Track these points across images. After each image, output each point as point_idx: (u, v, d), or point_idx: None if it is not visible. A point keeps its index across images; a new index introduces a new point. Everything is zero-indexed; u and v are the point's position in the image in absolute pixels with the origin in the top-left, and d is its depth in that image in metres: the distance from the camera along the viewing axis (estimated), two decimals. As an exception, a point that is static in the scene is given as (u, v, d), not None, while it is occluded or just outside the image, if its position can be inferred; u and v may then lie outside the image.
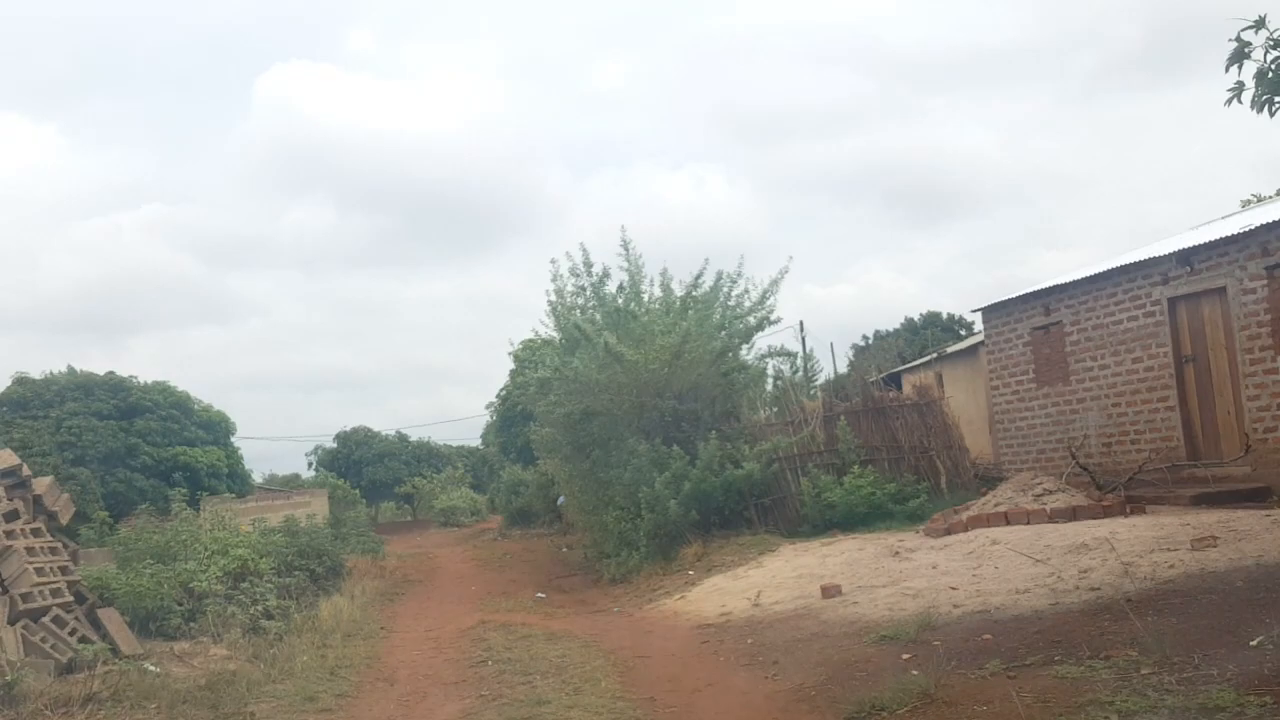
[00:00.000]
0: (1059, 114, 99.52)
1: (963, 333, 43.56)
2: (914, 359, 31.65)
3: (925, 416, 21.01)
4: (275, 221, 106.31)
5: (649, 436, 20.63)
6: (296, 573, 19.67)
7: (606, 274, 21.27)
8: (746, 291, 20.87)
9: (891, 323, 51.20)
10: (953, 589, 13.33)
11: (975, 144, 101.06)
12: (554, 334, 22.51)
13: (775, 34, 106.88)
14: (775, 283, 20.68)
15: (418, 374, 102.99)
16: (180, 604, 15.60)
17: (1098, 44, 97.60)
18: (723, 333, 20.58)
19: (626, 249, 21.13)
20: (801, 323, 39.29)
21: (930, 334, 46.87)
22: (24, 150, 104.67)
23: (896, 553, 16.19)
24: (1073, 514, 16.74)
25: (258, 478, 51.00)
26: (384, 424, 56.52)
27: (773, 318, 20.84)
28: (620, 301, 21.07)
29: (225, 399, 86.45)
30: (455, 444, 59.50)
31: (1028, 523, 16.68)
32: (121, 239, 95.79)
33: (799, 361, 21.96)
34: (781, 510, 20.35)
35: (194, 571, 16.11)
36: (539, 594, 20.12)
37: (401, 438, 55.04)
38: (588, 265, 21.24)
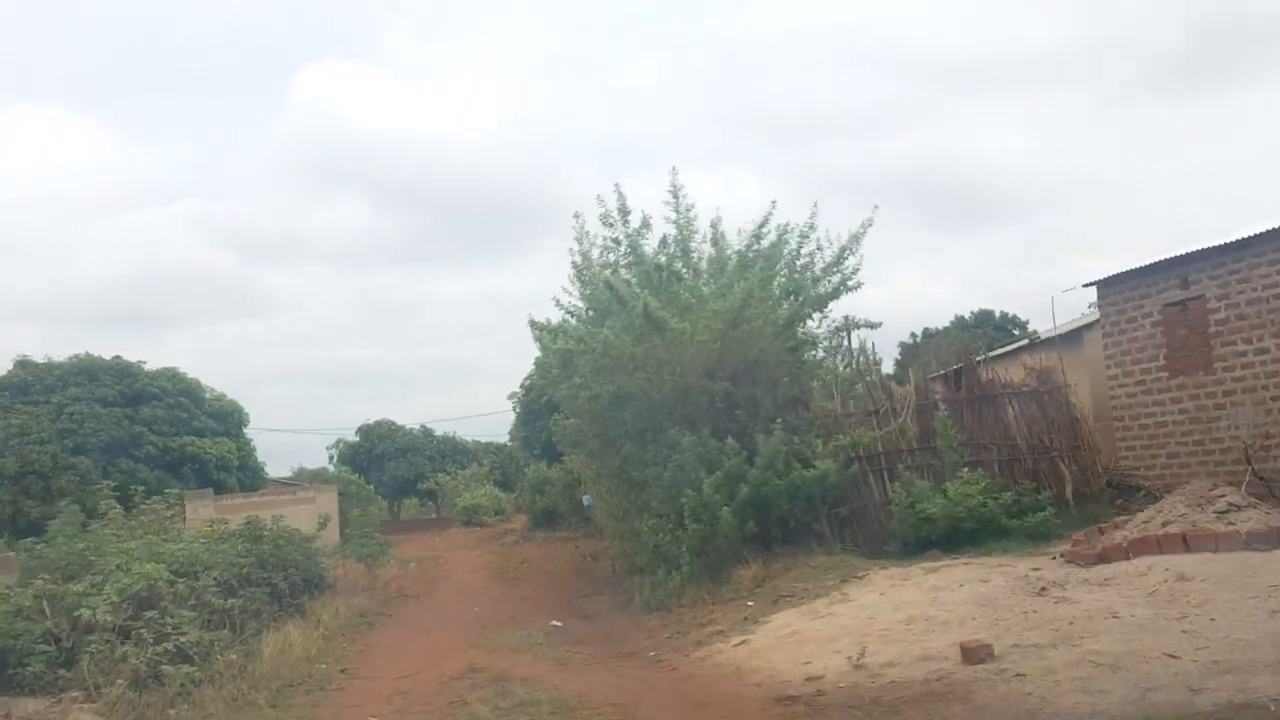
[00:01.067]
0: (1094, 118, 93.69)
1: (1015, 332, 38.42)
2: (987, 352, 26.40)
3: (1046, 407, 15.84)
4: (308, 218, 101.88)
5: (695, 427, 15.68)
6: (253, 589, 14.82)
7: (647, 224, 16.28)
8: (819, 249, 15.90)
9: (928, 324, 45.81)
10: (1170, 656, 8.29)
11: (1008, 148, 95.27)
12: (579, 304, 17.58)
13: (808, 35, 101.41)
14: (856, 238, 15.67)
15: (448, 371, 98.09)
16: (58, 640, 10.77)
17: (1136, 49, 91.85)
18: (791, 298, 15.60)
19: (675, 196, 16.16)
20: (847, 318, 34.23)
21: (984, 333, 41.53)
22: (66, 144, 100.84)
23: (1042, 589, 11.07)
24: (1277, 538, 11.64)
25: (285, 471, 46.43)
26: (412, 419, 51.93)
27: (851, 282, 15.81)
28: (663, 259, 16.09)
29: (255, 393, 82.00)
30: (484, 440, 54.68)
31: (1216, 549, 11.56)
32: (158, 233, 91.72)
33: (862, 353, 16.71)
34: (862, 523, 15.33)
35: (82, 595, 11.25)
36: (554, 622, 15.16)
37: (426, 432, 50.26)
38: (624, 212, 16.28)
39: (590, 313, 17.01)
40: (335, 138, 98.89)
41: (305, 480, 39.64)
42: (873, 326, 16.10)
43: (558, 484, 35.10)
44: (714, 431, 15.37)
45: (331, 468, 39.29)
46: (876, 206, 15.58)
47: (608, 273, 15.94)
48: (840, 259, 15.62)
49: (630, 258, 16.15)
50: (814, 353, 15.85)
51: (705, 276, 15.94)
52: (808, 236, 15.76)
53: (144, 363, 38.90)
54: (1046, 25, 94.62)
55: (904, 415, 15.36)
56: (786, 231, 15.73)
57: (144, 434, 36.58)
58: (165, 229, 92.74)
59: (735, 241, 16.00)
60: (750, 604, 13.41)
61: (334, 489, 34.58)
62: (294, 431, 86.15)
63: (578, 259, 17.17)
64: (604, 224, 16.05)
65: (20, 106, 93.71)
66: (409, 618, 16.51)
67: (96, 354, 38.61)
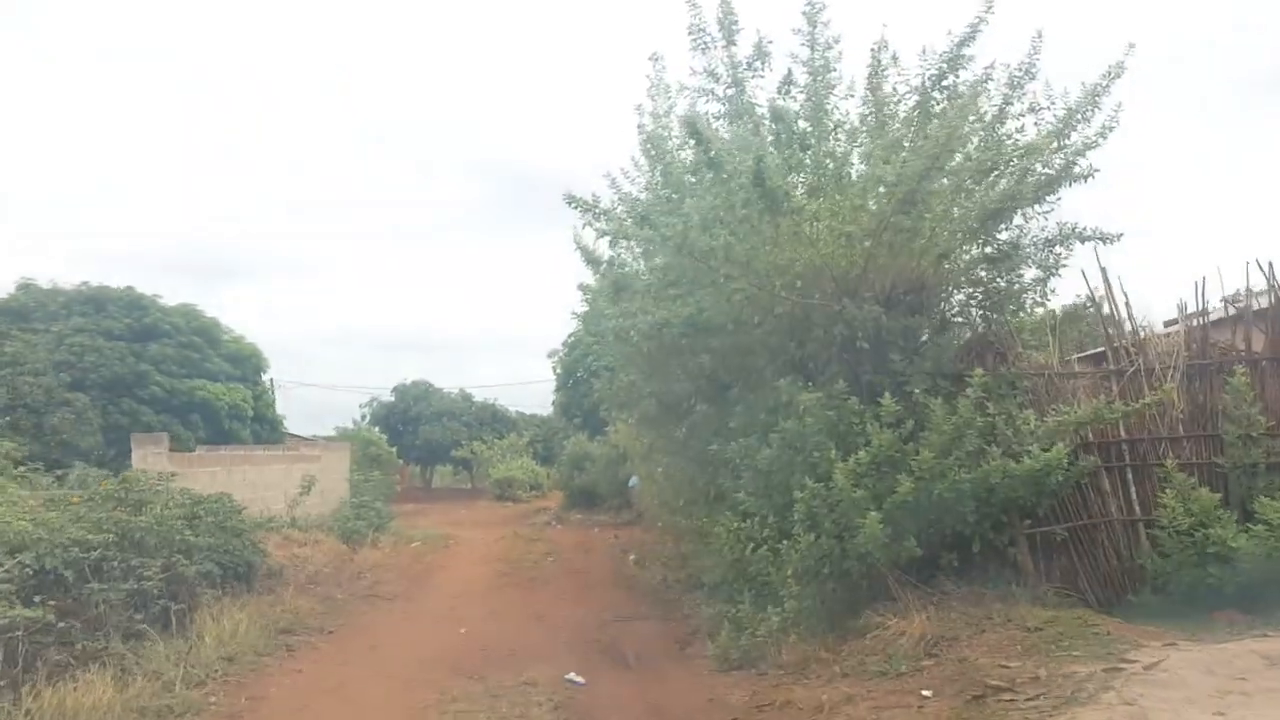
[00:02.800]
0: None
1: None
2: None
3: None
4: (367, 184, 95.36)
5: (815, 377, 9.16)
6: (100, 586, 8.48)
7: (763, 54, 9.55)
8: (1032, 110, 9.12)
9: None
10: None
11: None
12: (641, 196, 10.86)
13: None
14: (1093, 96, 8.89)
15: (502, 341, 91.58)
16: None
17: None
18: (989, 178, 8.89)
19: (811, 23, 9.39)
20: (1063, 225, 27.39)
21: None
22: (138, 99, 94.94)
23: None
24: None
25: (327, 430, 40.33)
26: (457, 384, 45.59)
27: (1080, 166, 9.00)
28: (785, 105, 9.40)
29: (306, 351, 75.81)
30: (528, 412, 48.25)
31: None
32: (221, 191, 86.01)
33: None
34: (1088, 553, 8.62)
35: None
36: (573, 675, 8.63)
37: (465, 397, 43.95)
38: (728, 27, 9.57)
39: (659, 187, 10.35)
40: (397, 106, 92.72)
41: (346, 439, 33.47)
42: (1108, 239, 9.27)
43: (599, 460, 28.61)
44: (852, 386, 8.71)
45: (360, 426, 33.10)
46: (1132, 45, 7.97)
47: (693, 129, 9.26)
48: (1067, 123, 8.89)
49: (732, 105, 9.48)
50: (1019, 273, 9.04)
51: (849, 141, 9.24)
52: (1021, 86, 9.04)
53: (159, 296, 32.88)
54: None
55: (1171, 380, 8.59)
56: (989, 77, 8.98)
57: (150, 373, 30.54)
58: (229, 187, 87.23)
59: (901, 89, 9.20)
60: (926, 694, 6.80)
61: (345, 448, 28.31)
62: (326, 388, 79.90)
63: (647, 121, 10.54)
64: (694, 44, 9.30)
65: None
66: (354, 643, 10.00)
67: (98, 283, 32.48)
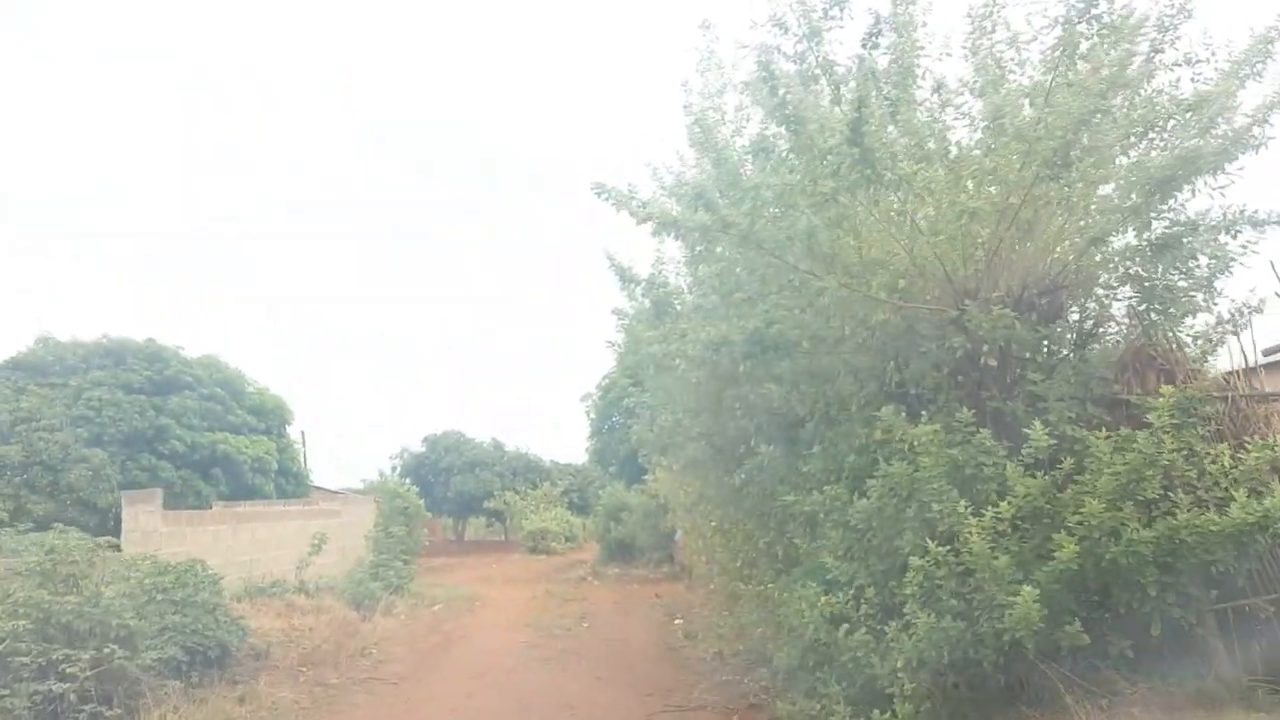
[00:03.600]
0: None
1: None
2: None
3: None
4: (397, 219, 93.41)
5: (916, 407, 6.93)
6: (6, 691, 6.35)
7: (841, 1, 7.44)
8: (1189, 62, 6.94)
9: None
10: None
11: None
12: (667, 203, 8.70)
13: None
14: (1267, 45, 6.76)
15: (535, 393, 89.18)
16: None
17: None
18: (1146, 141, 6.69)
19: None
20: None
21: None
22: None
23: None
24: None
25: (356, 483, 38.24)
26: (492, 434, 43.31)
27: (1256, 135, 6.85)
28: (875, 63, 7.27)
29: (337, 403, 73.52)
30: (562, 462, 45.88)
31: None
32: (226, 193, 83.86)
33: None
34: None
35: None
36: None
37: (497, 446, 41.72)
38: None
39: (710, 176, 8.16)
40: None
41: (372, 491, 31.39)
42: (1293, 225, 7.04)
43: (637, 511, 26.23)
44: (978, 416, 6.46)
45: (386, 477, 30.98)
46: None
47: (752, 99, 7.12)
48: (1231, 79, 6.71)
49: (805, 64, 7.34)
50: (1190, 265, 6.76)
51: (949, 107, 7.07)
52: (1171, 29, 6.85)
53: (181, 348, 31.20)
54: None
55: None
56: (1130, 14, 6.79)
57: (171, 427, 28.73)
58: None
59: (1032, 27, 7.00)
60: None
61: (369, 502, 26.19)
62: (354, 438, 77.53)
63: (695, 101, 8.44)
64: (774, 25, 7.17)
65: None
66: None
67: (118, 336, 30.80)
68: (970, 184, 6.07)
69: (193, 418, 29.56)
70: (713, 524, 12.36)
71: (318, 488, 32.23)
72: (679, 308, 10.26)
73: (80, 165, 71.47)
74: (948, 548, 6.10)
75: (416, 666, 11.17)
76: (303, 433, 40.10)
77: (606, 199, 7.41)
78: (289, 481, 31.88)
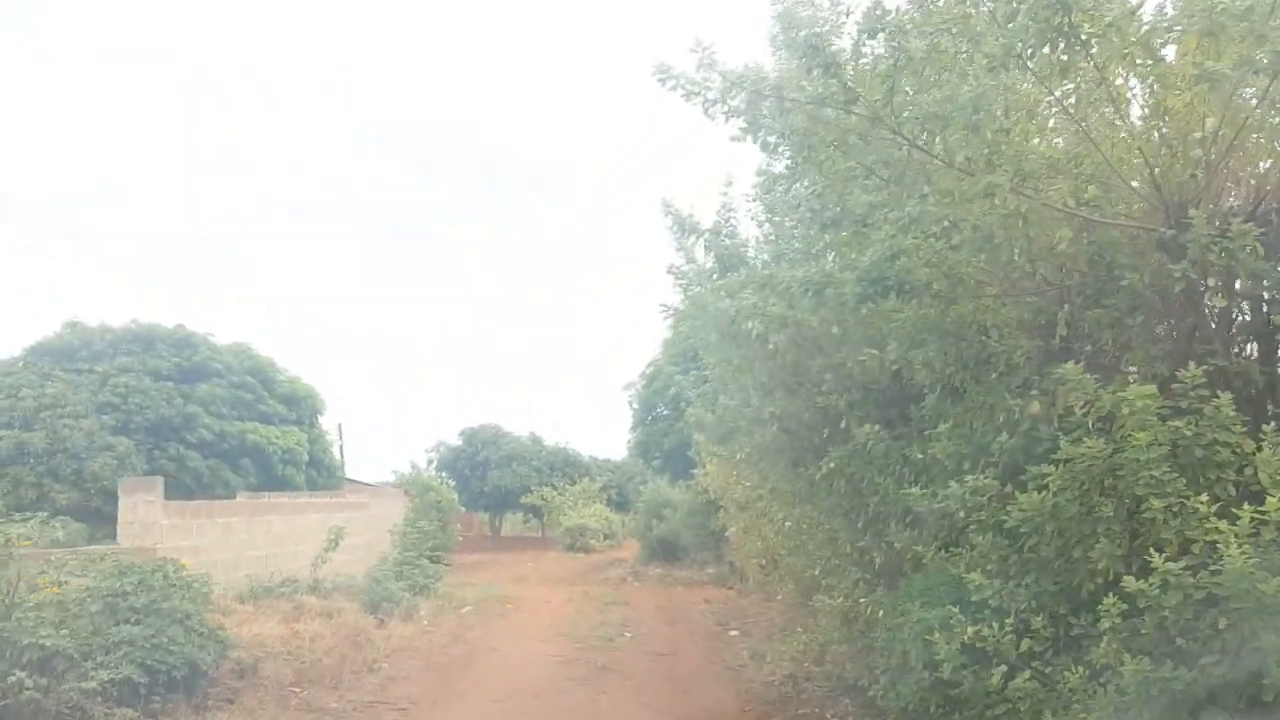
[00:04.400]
0: None
1: None
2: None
3: None
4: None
5: (1104, 369, 4.91)
6: None
7: None
8: None
9: None
10: None
11: None
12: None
13: None
14: None
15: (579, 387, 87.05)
16: None
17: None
18: None
19: None
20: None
21: None
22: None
23: None
24: None
25: (388, 475, 36.60)
26: (531, 428, 41.51)
27: None
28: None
29: (373, 394, 71.86)
30: (601, 457, 43.95)
31: None
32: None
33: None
34: None
35: None
36: None
37: (535, 440, 39.86)
38: None
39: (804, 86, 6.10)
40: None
41: (403, 484, 29.68)
42: None
43: (681, 508, 24.20)
44: (1212, 378, 4.41)
45: (417, 470, 29.31)
46: None
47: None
48: None
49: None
50: None
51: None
52: None
53: (211, 335, 29.67)
54: None
55: None
56: None
57: (199, 415, 27.18)
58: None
59: None
60: None
61: (398, 495, 24.43)
62: (389, 431, 75.85)
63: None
64: None
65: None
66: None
67: (147, 321, 29.36)
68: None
69: (221, 406, 28.01)
70: (782, 523, 10.32)
71: (352, 480, 30.60)
72: (752, 262, 8.26)
73: (82, 163, 70.69)
74: (1180, 564, 4.04)
75: (432, 686, 9.24)
76: (339, 425, 38.58)
77: (672, 86, 5.42)
78: (321, 473, 30.26)
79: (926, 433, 6.17)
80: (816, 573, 8.71)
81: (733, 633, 13.07)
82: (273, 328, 76.10)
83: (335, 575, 15.19)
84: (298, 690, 8.51)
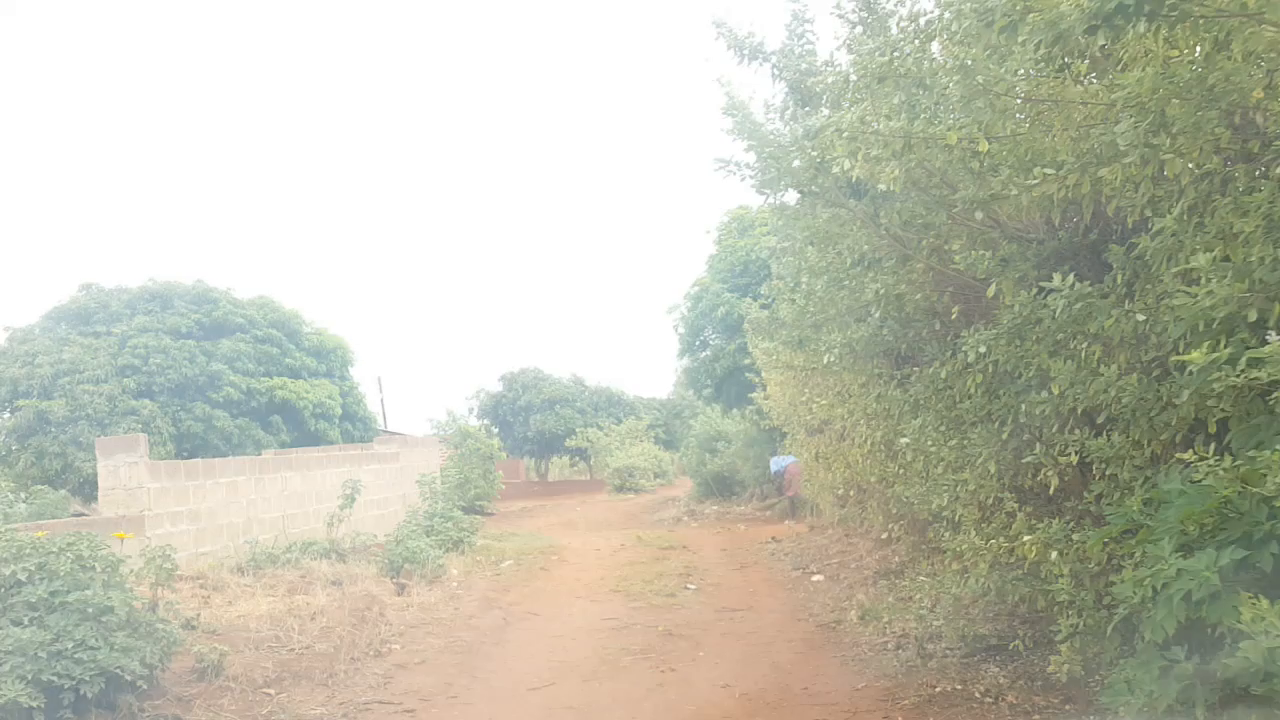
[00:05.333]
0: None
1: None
2: None
3: None
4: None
5: None
6: None
7: None
8: None
9: None
10: None
11: None
12: None
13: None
14: None
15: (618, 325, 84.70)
16: None
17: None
18: None
19: None
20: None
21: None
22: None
23: None
24: None
25: (428, 427, 34.70)
26: (571, 369, 39.34)
27: None
28: None
29: (410, 344, 70.07)
30: (645, 396, 41.71)
31: None
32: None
33: None
34: None
35: None
36: None
37: (577, 381, 37.71)
38: None
39: None
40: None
41: (439, 432, 27.66)
42: None
43: (737, 439, 21.91)
44: None
45: (454, 417, 27.28)
46: None
47: None
48: None
49: None
50: None
51: None
52: None
53: (231, 289, 27.70)
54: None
55: None
56: None
57: (224, 373, 25.35)
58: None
59: None
60: None
61: (433, 444, 22.38)
62: (420, 382, 74.27)
63: None
64: None
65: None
66: None
67: (164, 280, 27.39)
68: None
69: (247, 362, 26.12)
70: (878, 443, 7.91)
71: (390, 433, 28.66)
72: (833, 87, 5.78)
73: (100, 121, 68.38)
74: None
75: (452, 673, 7.04)
76: (379, 378, 36.75)
77: None
78: (356, 426, 28.39)
79: (1148, 284, 3.72)
80: (946, 504, 6.35)
81: (816, 578, 10.75)
82: (326, 293, 74.42)
83: (356, 535, 13.12)
84: (273, 692, 6.36)
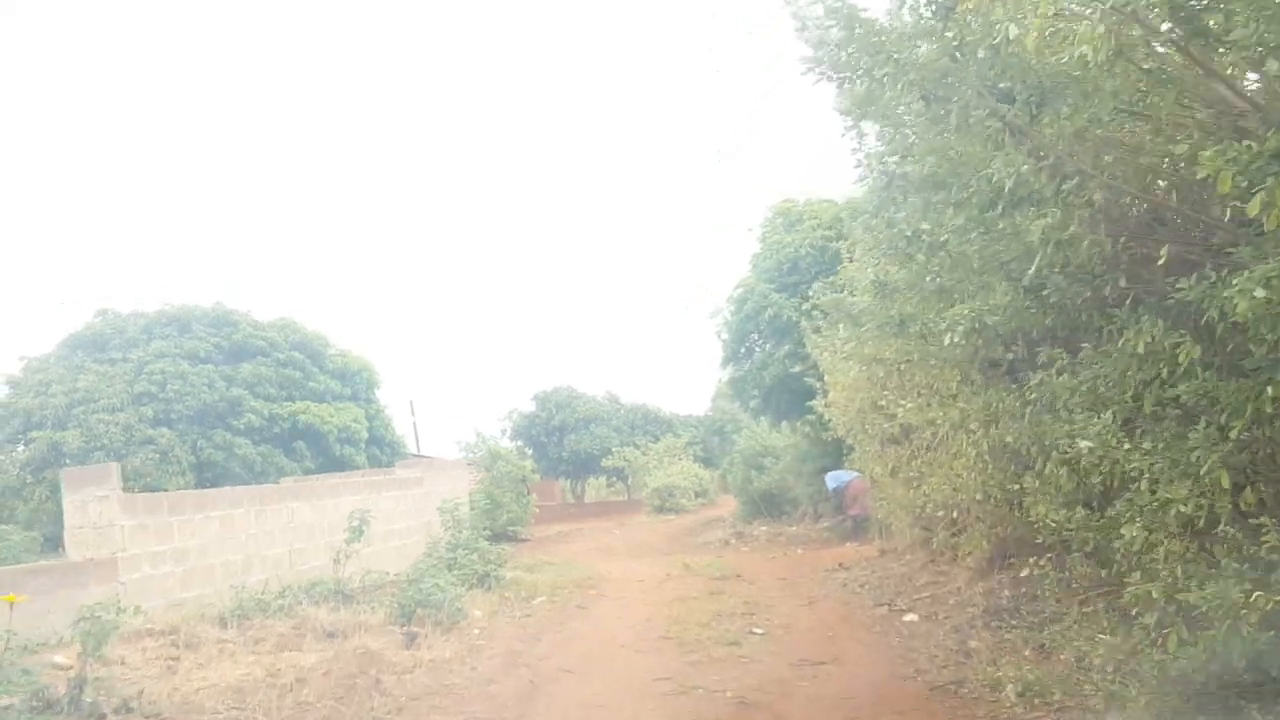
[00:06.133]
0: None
1: None
2: None
3: None
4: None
5: None
6: None
7: None
8: None
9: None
10: None
11: None
12: None
13: None
14: None
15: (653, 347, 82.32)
16: None
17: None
18: None
19: None
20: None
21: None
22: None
23: None
24: None
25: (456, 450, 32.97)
26: (606, 387, 37.56)
27: None
28: None
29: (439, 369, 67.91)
30: (682, 414, 39.72)
31: None
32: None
33: None
34: None
35: None
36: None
37: (612, 399, 35.85)
38: None
39: None
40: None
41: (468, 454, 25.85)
42: None
43: (787, 453, 19.89)
44: None
45: (482, 438, 25.45)
46: None
47: None
48: None
49: None
50: None
51: None
52: None
53: (251, 311, 26.21)
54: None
55: None
56: None
57: (244, 398, 23.81)
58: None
59: None
60: None
61: (460, 467, 20.58)
62: (453, 405, 72.64)
63: None
64: None
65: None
66: None
67: (182, 304, 25.94)
68: None
69: (269, 386, 24.55)
70: (982, 452, 5.92)
71: (418, 456, 26.93)
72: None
73: (111, 145, 67.61)
74: None
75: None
76: (411, 402, 35.12)
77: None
78: (384, 451, 26.67)
79: None
80: (1137, 531, 4.37)
81: (908, 617, 8.73)
82: (354, 317, 73.05)
83: (368, 572, 11.29)
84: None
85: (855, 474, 15.40)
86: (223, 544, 10.95)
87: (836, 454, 15.82)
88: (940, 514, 8.86)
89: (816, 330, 11.69)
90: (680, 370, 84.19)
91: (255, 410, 23.87)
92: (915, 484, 9.39)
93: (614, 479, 36.37)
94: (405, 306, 73.94)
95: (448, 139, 74.08)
